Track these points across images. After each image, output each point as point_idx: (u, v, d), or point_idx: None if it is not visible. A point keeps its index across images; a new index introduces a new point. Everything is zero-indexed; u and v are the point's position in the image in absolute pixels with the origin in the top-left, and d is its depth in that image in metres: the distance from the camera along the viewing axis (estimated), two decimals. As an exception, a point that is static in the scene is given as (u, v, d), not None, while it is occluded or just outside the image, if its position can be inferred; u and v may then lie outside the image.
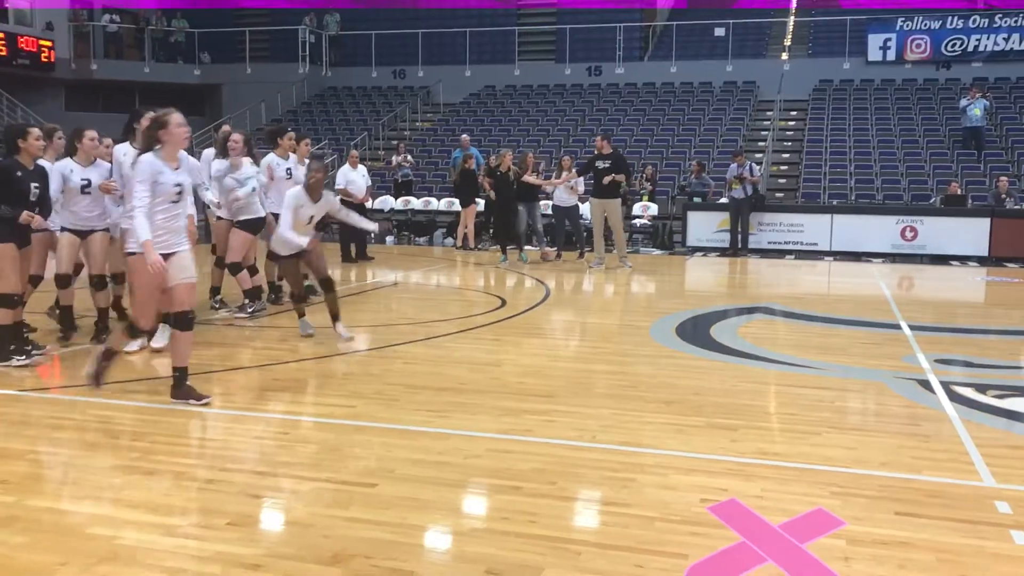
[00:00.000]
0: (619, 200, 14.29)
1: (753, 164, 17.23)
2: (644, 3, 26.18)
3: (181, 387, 5.69)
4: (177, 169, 5.55)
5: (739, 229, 16.94)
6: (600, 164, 14.00)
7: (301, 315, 7.96)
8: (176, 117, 5.55)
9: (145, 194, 5.37)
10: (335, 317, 7.68)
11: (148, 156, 5.46)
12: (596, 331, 8.99)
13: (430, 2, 26.73)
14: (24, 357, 6.67)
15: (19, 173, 6.56)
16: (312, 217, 7.61)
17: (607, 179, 13.72)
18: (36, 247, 7.07)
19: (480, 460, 4.67)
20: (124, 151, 7.23)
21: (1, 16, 23.55)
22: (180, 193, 5.55)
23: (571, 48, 25.38)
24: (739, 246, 16.94)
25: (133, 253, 5.50)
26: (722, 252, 17.13)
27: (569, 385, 6.34)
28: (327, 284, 7.73)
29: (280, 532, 3.85)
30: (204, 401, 5.61)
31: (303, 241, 7.42)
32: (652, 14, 26.69)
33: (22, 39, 23.52)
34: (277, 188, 9.08)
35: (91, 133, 7.42)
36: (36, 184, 6.65)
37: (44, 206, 6.77)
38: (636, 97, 24.30)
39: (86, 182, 7.32)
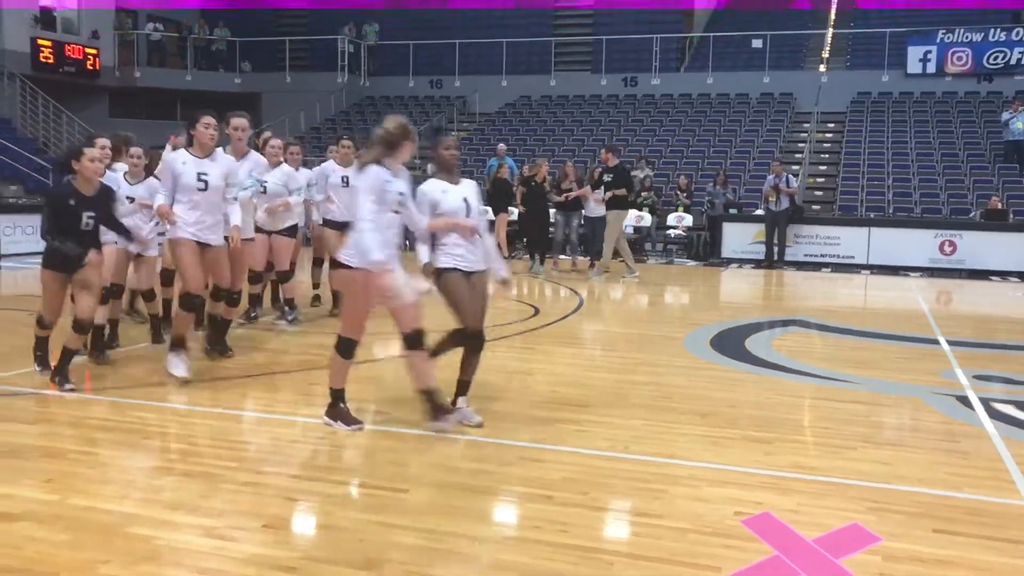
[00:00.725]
0: (619, 213, 14.13)
1: (790, 176, 17.11)
2: (683, 3, 26.12)
3: (438, 408, 5.29)
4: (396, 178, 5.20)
5: (775, 241, 16.82)
6: (605, 177, 14.13)
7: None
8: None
9: (374, 207, 5.05)
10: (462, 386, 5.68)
11: (376, 167, 5.13)
12: (629, 341, 8.97)
13: (465, 3, 26.82)
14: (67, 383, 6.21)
15: (72, 201, 6.05)
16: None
17: (607, 195, 13.82)
18: (112, 258, 7.02)
19: (512, 468, 4.69)
20: (183, 159, 6.49)
21: (49, 25, 24.05)
22: (403, 203, 5.26)
23: (607, 59, 25.37)
24: (775, 258, 16.82)
25: (351, 267, 5.06)
26: (757, 264, 17.02)
27: (602, 395, 6.33)
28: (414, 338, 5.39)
29: (314, 536, 3.90)
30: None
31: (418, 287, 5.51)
32: (690, 24, 26.62)
33: (69, 47, 23.99)
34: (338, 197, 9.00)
35: (136, 150, 7.47)
36: (91, 213, 6.12)
37: (118, 229, 6.47)
38: (672, 108, 24.24)
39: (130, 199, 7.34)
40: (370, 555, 3.57)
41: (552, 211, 15.22)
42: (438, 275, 5.45)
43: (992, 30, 22.38)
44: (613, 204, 13.89)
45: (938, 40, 22.67)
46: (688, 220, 18.57)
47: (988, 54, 22.36)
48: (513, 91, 25.89)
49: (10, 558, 3.47)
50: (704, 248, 18.04)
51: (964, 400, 6.39)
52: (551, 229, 15.32)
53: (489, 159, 20.09)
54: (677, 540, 3.78)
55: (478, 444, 5.10)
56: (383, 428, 5.37)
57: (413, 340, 5.24)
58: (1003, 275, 16.10)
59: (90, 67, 24.51)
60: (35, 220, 16.68)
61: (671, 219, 18.63)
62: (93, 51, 24.54)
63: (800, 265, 17.01)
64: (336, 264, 5.37)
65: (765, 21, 25.30)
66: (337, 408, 5.35)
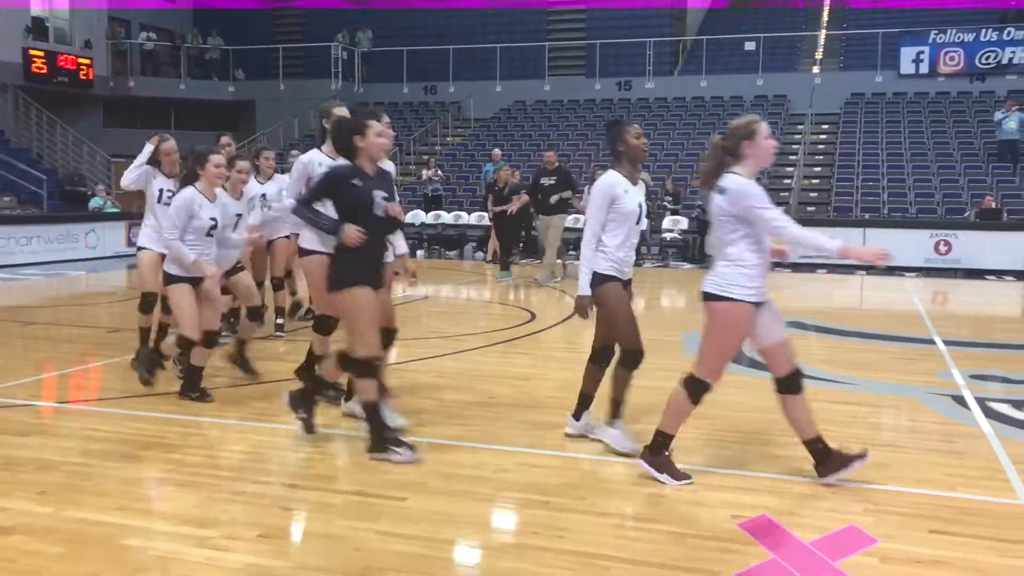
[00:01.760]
0: (563, 217, 13.74)
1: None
2: (676, 2, 26.17)
3: None
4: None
5: None
6: (545, 181, 13.50)
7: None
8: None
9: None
10: (615, 406, 5.21)
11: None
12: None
13: (459, 3, 26.82)
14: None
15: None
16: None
17: (554, 199, 13.29)
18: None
19: (509, 474, 4.68)
20: (319, 160, 5.89)
21: (41, 35, 24.03)
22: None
23: (601, 63, 25.40)
24: None
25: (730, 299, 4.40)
26: None
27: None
28: None
29: (310, 545, 3.88)
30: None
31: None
32: (682, 27, 26.66)
33: (61, 57, 23.96)
34: None
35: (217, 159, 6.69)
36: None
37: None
38: (666, 111, 24.26)
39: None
40: (367, 564, 3.56)
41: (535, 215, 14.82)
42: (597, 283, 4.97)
43: (984, 30, 22.45)
44: (558, 208, 13.44)
45: (930, 40, 22.73)
46: (683, 223, 18.58)
47: (980, 54, 22.42)
48: (507, 96, 25.91)
49: (4, 571, 3.45)
50: (698, 251, 18.04)
51: (960, 400, 6.39)
52: (532, 233, 15.23)
53: (485, 164, 20.11)
54: (675, 545, 3.77)
55: (475, 450, 5.08)
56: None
57: (793, 384, 4.54)
58: (998, 274, 16.12)
59: (83, 77, 24.50)
60: (29, 231, 16.68)
61: (666, 222, 18.63)
62: (86, 61, 24.53)
63: (796, 267, 17.01)
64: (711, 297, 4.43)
65: (758, 23, 25.36)
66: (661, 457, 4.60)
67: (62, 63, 23.97)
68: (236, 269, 6.67)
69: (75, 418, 5.78)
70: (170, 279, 6.01)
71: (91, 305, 11.95)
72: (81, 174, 22.26)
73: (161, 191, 6.90)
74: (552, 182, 13.37)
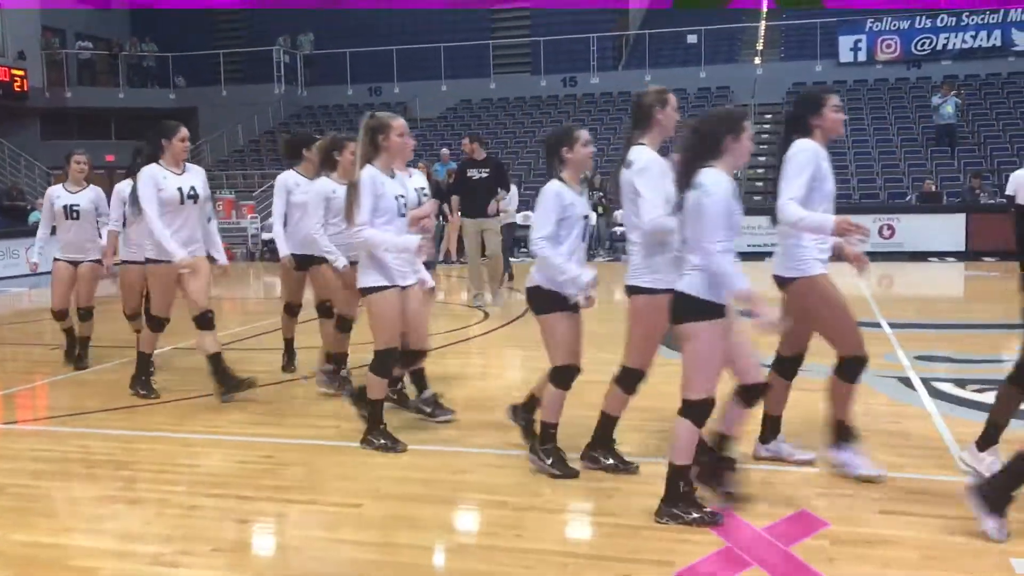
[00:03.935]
0: (500, 218, 11.19)
1: None
2: (618, 3, 26.34)
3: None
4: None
5: None
6: (474, 173, 10.85)
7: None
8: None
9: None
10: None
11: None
12: (587, 341, 8.98)
13: (402, 2, 26.71)
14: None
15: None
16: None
17: (492, 208, 10.79)
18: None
19: (467, 476, 4.68)
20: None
21: (-28, 47, 23.46)
22: None
23: (545, 60, 25.48)
24: None
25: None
26: None
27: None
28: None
29: (267, 557, 3.85)
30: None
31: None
32: (625, 23, 26.85)
33: (-6, 69, 23.41)
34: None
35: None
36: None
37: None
38: (612, 106, 24.41)
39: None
40: (325, 573, 3.54)
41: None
42: None
43: (918, 17, 22.94)
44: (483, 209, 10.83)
45: (867, 29, 23.17)
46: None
47: (915, 41, 22.90)
48: (453, 95, 25.86)
49: (-51, 600, 3.37)
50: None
51: (906, 381, 6.53)
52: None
53: (433, 164, 20.05)
54: (630, 537, 3.80)
55: (431, 453, 5.07)
56: (334, 443, 5.30)
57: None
58: (940, 256, 16.50)
59: (18, 88, 23.91)
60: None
61: (617, 215, 18.75)
62: (20, 72, 23.94)
63: (745, 256, 17.19)
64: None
65: (699, 17, 25.61)
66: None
67: (-5, 75, 23.41)
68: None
69: (21, 439, 5.65)
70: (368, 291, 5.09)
71: (34, 322, 11.68)
72: (20, 188, 21.75)
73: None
74: (483, 175, 10.81)
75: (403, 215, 5.07)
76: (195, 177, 6.28)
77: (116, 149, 26.63)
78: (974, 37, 22.49)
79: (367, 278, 5.00)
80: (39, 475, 4.85)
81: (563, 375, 4.67)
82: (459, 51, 26.00)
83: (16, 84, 23.89)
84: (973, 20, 22.51)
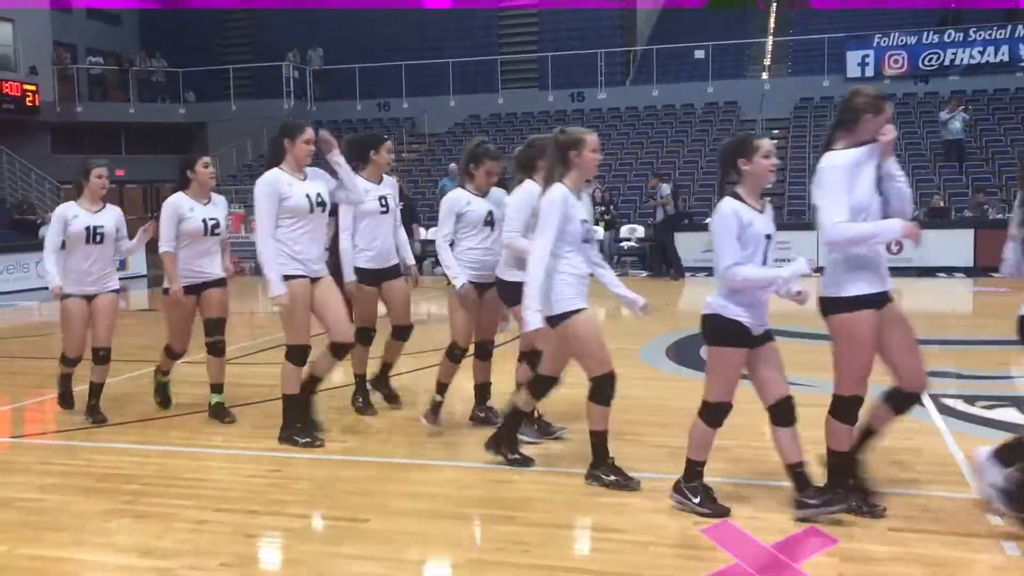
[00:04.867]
0: None
1: (663, 185, 17.27)
2: (625, 4, 26.48)
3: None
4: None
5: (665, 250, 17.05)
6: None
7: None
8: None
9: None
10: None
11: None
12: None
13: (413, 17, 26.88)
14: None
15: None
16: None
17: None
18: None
19: (473, 491, 4.67)
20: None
21: (-15, 63, 23.66)
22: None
23: (553, 75, 25.56)
24: (667, 267, 16.89)
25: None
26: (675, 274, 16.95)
27: (560, 411, 6.32)
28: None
29: (274, 571, 3.85)
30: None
31: None
32: (632, 38, 26.95)
33: (6, 84, 23.54)
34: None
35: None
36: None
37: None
38: (620, 121, 24.47)
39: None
40: (330, 588, 3.53)
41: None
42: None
43: (925, 33, 22.97)
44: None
45: (875, 44, 23.20)
46: (640, 231, 18.72)
47: (923, 56, 22.92)
48: (461, 110, 25.96)
49: (-43, 614, 3.38)
50: (653, 258, 18.13)
51: (915, 397, 6.49)
52: None
53: (441, 179, 20.10)
54: (638, 554, 3.79)
55: (438, 468, 5.07)
56: (341, 457, 5.31)
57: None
58: (949, 271, 16.45)
59: (29, 103, 24.09)
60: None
61: (624, 231, 18.76)
62: (32, 87, 24.12)
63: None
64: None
65: (708, 29, 25.68)
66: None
67: (7, 90, 23.56)
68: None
69: (29, 452, 5.67)
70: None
71: (44, 336, 11.73)
72: (30, 202, 21.89)
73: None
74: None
75: (587, 241, 4.66)
76: (319, 184, 5.63)
77: (126, 164, 26.79)
78: (982, 52, 22.50)
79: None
80: (47, 489, 4.86)
81: (716, 412, 4.32)
82: (467, 66, 26.12)
83: (28, 99, 24.06)
84: (981, 35, 22.54)
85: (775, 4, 27.75)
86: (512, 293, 5.20)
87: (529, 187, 5.18)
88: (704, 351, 4.45)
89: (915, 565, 3.62)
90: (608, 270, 5.05)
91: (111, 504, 4.59)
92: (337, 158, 5.69)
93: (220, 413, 6.27)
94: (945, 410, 6.09)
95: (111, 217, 6.26)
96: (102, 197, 6.29)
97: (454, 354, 5.73)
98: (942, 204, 17.83)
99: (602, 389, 4.59)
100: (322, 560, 3.80)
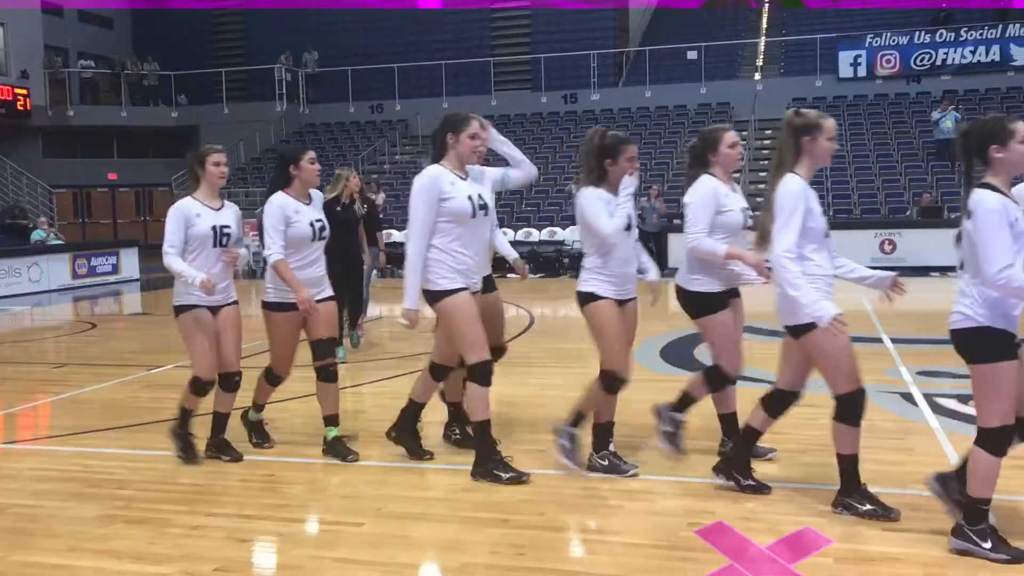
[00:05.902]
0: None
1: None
2: (617, 4, 26.54)
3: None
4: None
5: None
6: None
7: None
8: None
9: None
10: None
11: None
12: (581, 357, 8.98)
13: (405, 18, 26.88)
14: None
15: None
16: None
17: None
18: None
19: (468, 494, 4.66)
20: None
21: (-26, 66, 23.59)
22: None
23: (546, 76, 25.59)
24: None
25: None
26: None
27: (556, 413, 6.32)
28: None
29: (268, 575, 3.83)
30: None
31: None
32: (625, 39, 26.98)
33: (-3, 88, 23.54)
34: None
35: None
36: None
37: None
38: (612, 122, 24.47)
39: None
40: (325, 592, 3.52)
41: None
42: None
43: (917, 33, 23.06)
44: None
45: (867, 44, 23.29)
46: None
47: (915, 56, 23.01)
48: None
49: (-51, 622, 3.36)
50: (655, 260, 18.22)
51: (908, 397, 6.52)
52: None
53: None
54: (632, 556, 3.79)
55: (432, 471, 5.06)
56: (335, 461, 5.29)
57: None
58: (942, 270, 16.49)
59: (21, 107, 24.05)
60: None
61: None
62: (23, 91, 24.08)
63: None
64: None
65: (699, 30, 25.72)
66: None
67: (-2, 94, 23.55)
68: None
69: (22, 458, 5.65)
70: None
71: (37, 340, 11.71)
72: (22, 206, 21.84)
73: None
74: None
75: (828, 236, 4.33)
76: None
77: (119, 168, 26.74)
78: (973, 52, 22.60)
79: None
80: (40, 495, 4.84)
81: (1001, 438, 3.63)
82: (460, 68, 26.12)
83: (19, 103, 24.03)
84: (972, 35, 22.64)
85: (767, 4, 27.82)
86: (699, 303, 5.08)
87: (707, 183, 4.92)
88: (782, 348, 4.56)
89: (909, 565, 3.62)
90: (846, 261, 4.58)
91: (104, 510, 4.58)
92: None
93: (340, 450, 5.30)
94: (939, 409, 6.10)
95: (234, 216, 5.31)
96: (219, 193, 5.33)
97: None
98: (934, 202, 17.88)
99: (851, 407, 4.23)
100: (316, 564, 3.80)
